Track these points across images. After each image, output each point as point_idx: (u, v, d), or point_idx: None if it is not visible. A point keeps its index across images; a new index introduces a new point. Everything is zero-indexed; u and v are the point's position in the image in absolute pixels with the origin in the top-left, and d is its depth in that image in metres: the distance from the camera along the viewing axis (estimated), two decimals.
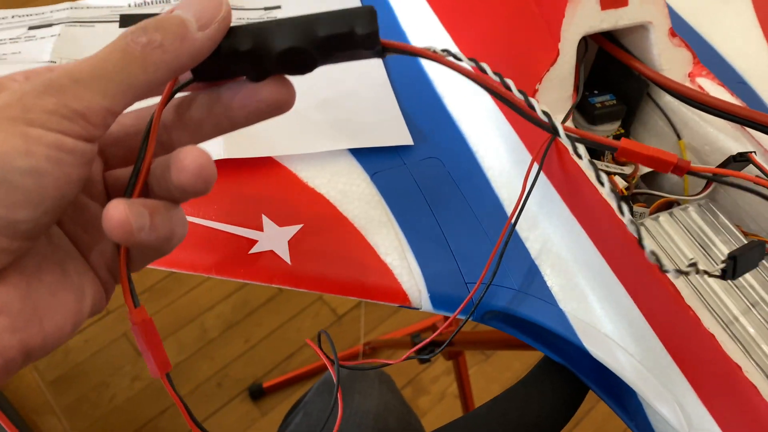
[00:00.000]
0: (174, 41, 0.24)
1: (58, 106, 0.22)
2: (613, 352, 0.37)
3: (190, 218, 0.42)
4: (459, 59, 0.25)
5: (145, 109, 0.28)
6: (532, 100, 0.24)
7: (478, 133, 0.48)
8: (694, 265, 0.27)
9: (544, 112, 0.24)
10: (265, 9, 0.60)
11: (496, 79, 0.25)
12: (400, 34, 0.56)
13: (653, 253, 0.25)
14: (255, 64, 0.25)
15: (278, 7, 0.60)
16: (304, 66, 0.26)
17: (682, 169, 0.28)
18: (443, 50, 0.26)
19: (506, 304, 0.41)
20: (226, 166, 0.45)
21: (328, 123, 0.49)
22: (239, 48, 0.25)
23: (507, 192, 0.45)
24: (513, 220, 0.39)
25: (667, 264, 0.25)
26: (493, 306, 0.41)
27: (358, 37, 0.25)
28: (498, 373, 1.34)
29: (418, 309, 0.42)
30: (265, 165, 0.46)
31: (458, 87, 0.51)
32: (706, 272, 0.28)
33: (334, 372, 0.35)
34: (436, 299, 0.42)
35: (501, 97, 0.25)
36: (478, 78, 0.25)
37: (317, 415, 0.58)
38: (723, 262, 0.30)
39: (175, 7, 0.25)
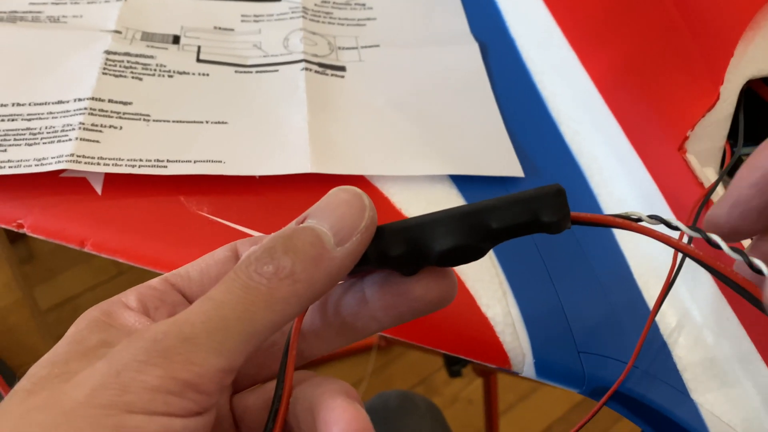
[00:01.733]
0: (308, 266, 0.19)
1: (164, 380, 0.17)
2: None
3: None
4: (674, 227, 0.19)
5: None
6: None
7: (602, 171, 0.42)
8: None
9: None
10: None
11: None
12: (510, 43, 0.49)
13: None
14: (408, 263, 0.21)
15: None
16: (470, 259, 0.21)
17: None
18: (651, 216, 0.20)
19: (626, 383, 0.35)
20: (311, 180, 0.39)
21: (426, 142, 0.42)
22: (389, 253, 0.20)
23: (633, 248, 0.39)
24: (659, 304, 0.34)
25: None
26: (610, 383, 0.35)
27: (543, 223, 0.20)
28: (515, 382, 1.30)
29: (517, 374, 0.37)
30: (355, 183, 0.39)
31: (576, 109, 0.45)
32: None
33: None
34: (541, 367, 0.36)
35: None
36: (707, 262, 0.19)
37: None
38: None
39: (306, 214, 0.20)
